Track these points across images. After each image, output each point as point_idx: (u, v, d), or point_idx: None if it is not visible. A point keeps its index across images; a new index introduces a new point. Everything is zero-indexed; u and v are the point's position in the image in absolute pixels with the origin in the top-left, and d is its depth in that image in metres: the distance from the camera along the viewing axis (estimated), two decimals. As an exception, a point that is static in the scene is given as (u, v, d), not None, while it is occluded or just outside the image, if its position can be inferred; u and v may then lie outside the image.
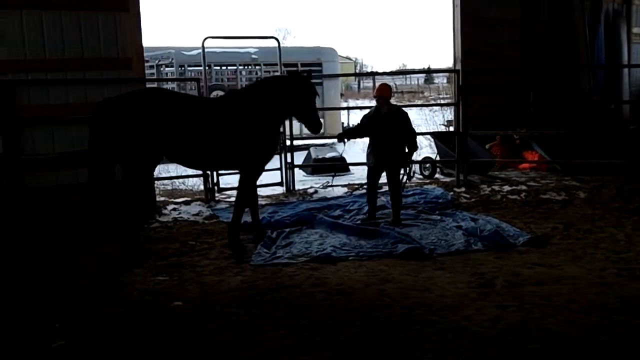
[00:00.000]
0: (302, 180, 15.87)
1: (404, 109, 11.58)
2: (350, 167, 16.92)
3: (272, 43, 15.74)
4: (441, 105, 24.77)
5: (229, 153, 9.55)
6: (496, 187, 13.71)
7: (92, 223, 10.66)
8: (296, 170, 14.79)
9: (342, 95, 40.13)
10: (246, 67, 27.02)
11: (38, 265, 9.21)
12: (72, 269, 8.95)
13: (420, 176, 15.89)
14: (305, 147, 18.27)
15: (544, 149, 15.98)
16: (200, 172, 12.97)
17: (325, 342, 6.22)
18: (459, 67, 15.73)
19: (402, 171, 11.22)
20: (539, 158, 16.05)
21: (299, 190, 14.24)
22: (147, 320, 6.99)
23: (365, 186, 11.69)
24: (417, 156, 17.63)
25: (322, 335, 6.39)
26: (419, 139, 20.65)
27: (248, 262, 9.07)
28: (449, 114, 21.76)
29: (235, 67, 26.61)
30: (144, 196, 11.24)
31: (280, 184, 14.32)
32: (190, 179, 14.81)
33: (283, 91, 9.87)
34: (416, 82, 73.89)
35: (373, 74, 25.57)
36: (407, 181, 11.98)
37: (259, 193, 10.69)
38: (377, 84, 11.70)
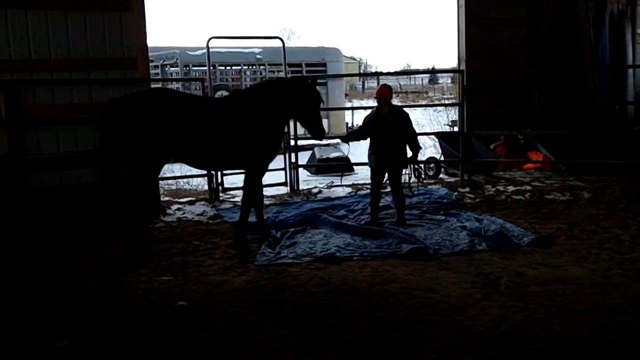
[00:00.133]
0: (307, 180, 15.87)
1: (406, 109, 11.56)
2: (355, 167, 16.93)
3: (277, 43, 15.81)
4: (445, 105, 24.76)
5: (233, 152, 9.57)
6: (500, 188, 13.69)
7: (96, 223, 10.69)
8: (300, 170, 14.79)
9: (346, 95, 40.11)
10: (250, 67, 27.08)
11: (42, 265, 9.23)
12: (77, 268, 8.97)
13: (424, 176, 15.88)
14: (310, 147, 18.28)
15: (548, 149, 15.96)
16: (204, 172, 12.98)
17: (329, 342, 6.22)
18: (463, 67, 15.72)
19: (406, 171, 11.21)
20: (544, 158, 16.03)
21: (303, 190, 14.24)
22: (151, 320, 7.00)
23: (368, 187, 11.64)
24: (421, 156, 17.67)
25: (326, 335, 6.39)
26: (423, 139, 20.80)
27: (252, 262, 9.08)
28: (454, 114, 21.76)
29: (239, 67, 26.67)
30: (149, 196, 11.27)
31: (284, 184, 14.32)
32: (195, 178, 14.83)
33: (287, 94, 9.87)
34: (420, 82, 73.82)
35: (377, 74, 25.58)
36: (418, 182, 11.94)
37: (263, 193, 10.69)
38: (388, 84, 11.68)
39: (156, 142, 9.06)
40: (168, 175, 15.02)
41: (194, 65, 25.45)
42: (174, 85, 23.69)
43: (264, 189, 11.00)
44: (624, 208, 11.65)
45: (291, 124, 13.02)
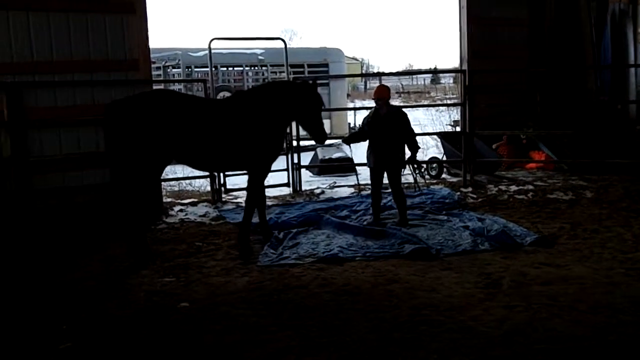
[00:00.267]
0: (309, 181, 15.88)
1: (408, 109, 11.58)
2: (358, 168, 16.93)
3: (279, 44, 15.77)
4: (448, 105, 24.76)
5: (235, 154, 9.58)
6: (503, 187, 13.69)
7: (98, 224, 10.70)
8: (303, 170, 14.80)
9: (348, 95, 40.13)
10: (253, 68, 27.04)
11: (45, 267, 9.24)
12: (79, 270, 8.98)
13: (427, 176, 15.89)
14: (312, 148, 18.28)
15: (550, 149, 15.96)
16: (207, 173, 12.99)
17: (332, 343, 6.22)
18: (465, 67, 15.70)
19: (405, 171, 11.21)
20: (546, 158, 16.02)
21: (305, 190, 14.25)
22: (154, 322, 7.01)
23: (369, 187, 11.64)
24: (423, 156, 17.68)
25: (329, 336, 6.39)
26: (426, 139, 20.82)
27: (255, 263, 9.08)
28: (456, 114, 21.77)
29: (241, 68, 26.63)
30: (151, 197, 11.28)
31: (287, 184, 14.33)
32: (197, 180, 14.84)
33: (289, 97, 9.87)
34: (423, 83, 73.85)
35: (379, 75, 25.60)
36: (416, 182, 11.92)
37: (266, 194, 10.69)
38: (386, 85, 11.69)
39: (158, 144, 9.08)
40: (170, 176, 15.02)
41: (196, 67, 25.44)
42: (176, 87, 23.67)
43: (267, 189, 11.01)
44: (626, 207, 11.64)
45: (293, 124, 13.03)
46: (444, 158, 16.24)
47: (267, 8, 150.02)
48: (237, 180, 13.63)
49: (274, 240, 10.01)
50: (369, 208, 11.47)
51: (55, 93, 11.29)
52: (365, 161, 11.26)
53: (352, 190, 14.06)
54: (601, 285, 7.62)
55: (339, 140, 19.07)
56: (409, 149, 10.93)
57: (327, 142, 12.00)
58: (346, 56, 35.29)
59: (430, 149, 20.54)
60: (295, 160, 14.28)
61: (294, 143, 14.22)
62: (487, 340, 6.16)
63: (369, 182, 11.41)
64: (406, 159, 11.01)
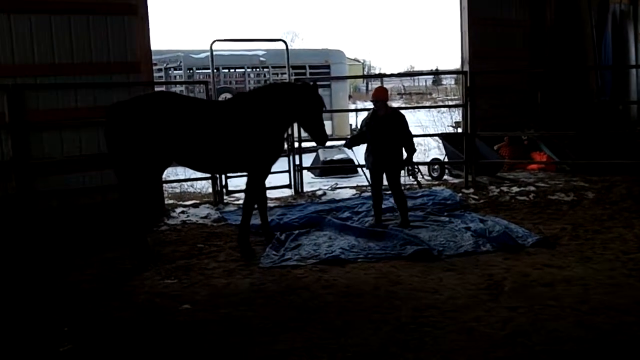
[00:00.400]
0: (311, 182, 15.88)
1: (410, 110, 11.60)
2: (359, 169, 16.94)
3: (280, 46, 15.76)
4: (449, 106, 24.81)
5: (236, 155, 9.57)
6: (505, 188, 13.68)
7: (100, 226, 10.71)
8: (304, 172, 14.79)
9: (350, 97, 40.13)
10: (254, 70, 27.07)
11: (47, 268, 9.25)
12: (81, 272, 8.98)
13: (429, 177, 15.89)
14: (314, 149, 18.29)
15: (552, 150, 15.96)
16: (208, 175, 12.98)
17: (335, 344, 6.22)
18: (466, 68, 15.71)
19: (404, 173, 11.21)
20: (547, 159, 16.02)
21: (307, 192, 14.24)
22: (156, 323, 7.01)
23: (369, 188, 11.63)
24: (425, 157, 17.68)
25: (332, 337, 6.39)
26: (427, 140, 20.82)
27: (257, 264, 9.08)
28: (457, 115, 21.78)
29: (243, 70, 26.67)
30: (153, 199, 11.29)
31: (288, 186, 14.32)
32: (199, 181, 14.84)
33: (290, 99, 9.86)
34: (424, 84, 73.87)
35: (381, 76, 25.64)
36: (416, 182, 11.90)
37: (267, 195, 10.69)
38: (384, 86, 11.70)
39: (159, 145, 9.08)
40: (172, 178, 15.02)
41: (197, 68, 25.49)
42: (178, 89, 23.69)
43: (268, 191, 11.00)
44: (628, 208, 11.64)
45: (295, 126, 13.04)
46: (446, 159, 16.23)
47: (269, 10, 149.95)
48: (239, 182, 13.62)
49: (275, 242, 10.01)
50: (371, 209, 11.47)
51: (56, 95, 11.28)
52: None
53: (354, 191, 14.06)
54: (603, 287, 7.62)
55: (340, 142, 19.13)
56: (406, 151, 10.93)
57: (328, 143, 12.00)
58: (348, 57, 35.33)
59: (431, 150, 20.54)
60: (297, 162, 14.27)
61: (296, 144, 14.21)
62: (489, 341, 6.16)
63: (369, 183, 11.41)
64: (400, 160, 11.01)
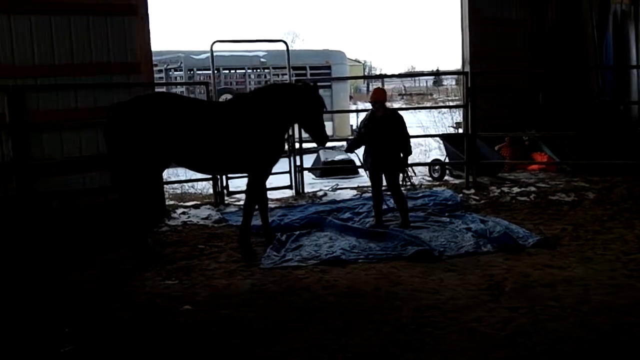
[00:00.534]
0: (312, 183, 15.86)
1: (411, 111, 11.61)
2: (360, 170, 16.94)
3: (281, 46, 15.76)
4: (450, 107, 24.77)
5: (236, 156, 9.57)
6: (505, 189, 13.68)
7: (101, 227, 10.71)
8: (305, 173, 14.79)
9: (350, 97, 40.10)
10: (255, 71, 27.07)
11: (48, 269, 9.25)
12: (82, 273, 8.98)
13: (430, 178, 15.89)
14: (315, 150, 18.28)
15: (553, 150, 15.95)
16: (209, 175, 12.97)
17: (335, 345, 6.22)
18: (467, 69, 15.71)
19: (401, 175, 11.20)
20: (548, 159, 16.02)
21: (308, 193, 14.24)
22: (156, 325, 7.01)
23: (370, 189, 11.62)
24: (426, 158, 17.67)
25: (333, 338, 6.39)
26: (428, 141, 20.81)
27: (258, 265, 9.08)
28: (458, 115, 21.76)
29: (244, 71, 26.67)
30: (153, 200, 11.29)
31: (289, 187, 14.32)
32: (200, 182, 14.83)
33: (290, 99, 9.86)
34: (425, 84, 73.85)
35: (382, 77, 25.58)
36: (410, 183, 11.85)
37: (268, 196, 10.70)
38: (382, 87, 11.71)
39: (158, 146, 9.08)
40: (173, 179, 15.02)
41: (198, 69, 25.48)
42: (178, 89, 23.69)
43: (269, 192, 11.00)
44: (629, 208, 11.64)
45: (296, 126, 13.03)
46: (447, 160, 16.21)
47: (269, 10, 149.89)
48: (240, 183, 13.61)
49: (276, 243, 10.01)
50: (372, 210, 11.46)
51: (56, 96, 11.28)
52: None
53: (354, 192, 14.06)
54: (604, 287, 7.62)
55: (341, 143, 19.12)
56: (402, 152, 10.92)
57: (329, 144, 11.99)
58: (348, 58, 35.34)
59: (432, 150, 20.52)
60: (298, 163, 14.27)
61: (297, 145, 14.21)
62: (490, 342, 6.16)
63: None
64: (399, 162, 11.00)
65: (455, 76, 43.05)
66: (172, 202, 13.40)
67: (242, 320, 7.02)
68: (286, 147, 12.13)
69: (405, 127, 10.92)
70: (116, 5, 11.63)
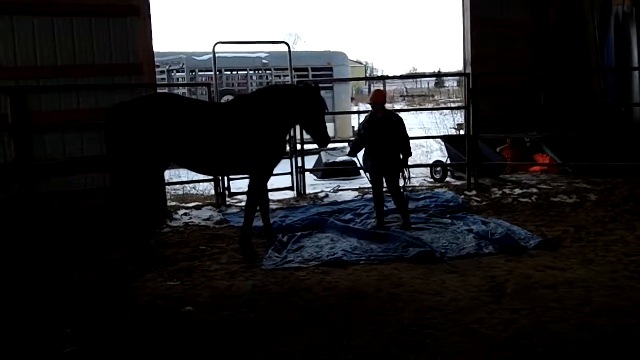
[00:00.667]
0: (313, 185, 15.88)
1: (412, 113, 11.61)
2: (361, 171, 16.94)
3: (283, 48, 15.75)
4: (452, 109, 24.78)
5: (237, 158, 9.58)
6: (507, 191, 13.68)
7: (103, 228, 10.71)
8: (307, 174, 14.79)
9: (352, 99, 40.15)
10: (257, 72, 27.10)
11: (49, 270, 9.25)
12: (83, 274, 8.99)
13: (431, 180, 15.89)
14: (316, 152, 18.29)
15: (555, 152, 15.95)
16: (210, 177, 12.97)
17: (337, 346, 6.23)
18: (469, 70, 15.72)
19: (402, 180, 11.19)
20: (550, 161, 16.02)
21: (310, 194, 14.24)
22: (158, 326, 7.01)
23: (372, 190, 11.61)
24: (427, 160, 17.66)
25: (334, 339, 6.39)
26: (430, 142, 20.82)
27: (259, 266, 9.08)
28: (460, 117, 21.75)
29: (246, 72, 26.69)
30: (155, 201, 11.29)
31: (291, 188, 14.33)
32: (202, 184, 14.84)
33: (292, 101, 9.86)
34: (427, 86, 73.90)
35: (384, 78, 25.52)
36: (406, 184, 11.81)
37: (270, 197, 10.70)
38: (382, 89, 11.72)
39: (160, 147, 9.09)
40: (175, 180, 15.03)
41: (200, 71, 25.49)
42: (181, 91, 23.70)
43: (271, 193, 11.00)
44: (630, 210, 11.63)
45: (298, 128, 13.04)
46: (448, 161, 16.22)
47: (272, 12, 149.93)
48: (242, 184, 13.61)
49: (278, 244, 10.01)
50: (373, 212, 11.46)
51: (59, 97, 11.29)
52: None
53: (356, 193, 14.06)
54: (606, 289, 7.61)
55: (342, 145, 19.12)
56: (402, 153, 10.92)
57: (331, 145, 12.00)
58: (350, 60, 35.34)
59: (434, 152, 20.54)
60: (300, 164, 14.28)
61: (298, 147, 14.21)
62: (491, 343, 6.16)
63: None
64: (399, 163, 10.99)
65: (457, 78, 42.97)
66: (173, 204, 13.41)
67: (244, 321, 7.02)
68: (288, 148, 12.11)
69: (405, 129, 10.92)
70: (118, 7, 11.64)
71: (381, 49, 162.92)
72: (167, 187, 13.48)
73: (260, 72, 27.15)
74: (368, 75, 76.53)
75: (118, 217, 9.73)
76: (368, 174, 11.32)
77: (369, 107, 11.09)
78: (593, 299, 7.29)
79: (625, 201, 12.27)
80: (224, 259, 9.55)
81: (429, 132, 21.98)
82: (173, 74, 26.14)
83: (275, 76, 26.54)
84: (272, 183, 10.50)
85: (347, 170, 17.07)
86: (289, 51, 15.02)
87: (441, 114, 24.96)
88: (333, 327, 6.73)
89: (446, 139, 16.98)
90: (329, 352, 6.10)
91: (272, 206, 12.07)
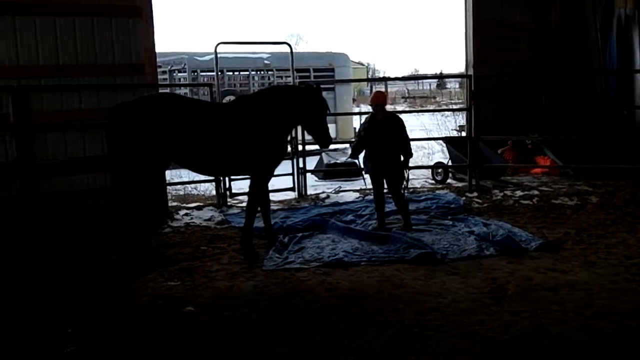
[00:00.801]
0: (314, 186, 15.87)
1: (414, 114, 11.61)
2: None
3: (285, 48, 15.78)
4: (453, 110, 24.77)
5: (238, 158, 9.58)
6: (508, 192, 13.67)
7: (104, 228, 10.71)
8: (308, 175, 14.79)
9: (354, 100, 40.14)
10: (258, 73, 27.09)
11: (50, 270, 9.25)
12: (84, 274, 8.99)
13: (433, 181, 15.88)
14: (317, 152, 18.29)
15: (556, 154, 15.94)
16: (211, 177, 12.97)
17: (338, 347, 6.23)
18: (470, 72, 15.73)
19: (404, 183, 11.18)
20: (551, 163, 16.01)
21: (311, 195, 14.24)
22: (159, 326, 7.01)
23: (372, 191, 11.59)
24: (429, 161, 17.66)
25: (335, 340, 6.39)
26: (431, 144, 20.81)
27: (260, 267, 9.09)
28: (461, 119, 21.75)
29: (247, 73, 26.69)
30: (156, 201, 11.29)
31: (292, 189, 14.32)
32: (203, 184, 14.84)
33: (293, 101, 9.86)
34: (428, 87, 73.92)
35: (385, 79, 25.49)
36: (405, 186, 11.79)
37: (271, 198, 10.69)
38: (382, 90, 11.72)
39: (161, 147, 9.09)
40: (176, 180, 15.02)
41: (202, 71, 25.48)
42: (182, 91, 23.70)
43: (272, 194, 10.99)
44: (632, 212, 11.62)
45: (299, 128, 13.03)
46: (450, 163, 16.21)
47: (273, 12, 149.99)
48: (243, 185, 13.60)
49: (279, 245, 10.01)
50: (374, 213, 11.45)
51: (60, 97, 11.29)
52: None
53: (357, 194, 14.06)
54: (607, 291, 7.61)
55: (344, 145, 19.12)
56: (402, 155, 10.92)
57: (332, 146, 11.99)
58: (352, 61, 35.31)
59: (435, 153, 20.53)
60: (301, 165, 14.27)
61: (300, 147, 14.21)
62: (492, 345, 6.16)
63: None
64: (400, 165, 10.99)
65: (459, 79, 43.02)
66: (174, 204, 13.41)
67: (245, 321, 7.02)
68: (289, 149, 12.11)
69: (405, 130, 10.92)
70: (120, 7, 11.65)
71: (383, 50, 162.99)
72: (168, 187, 13.48)
73: (262, 72, 27.14)
74: (369, 76, 76.61)
75: (119, 217, 9.73)
76: (365, 181, 11.30)
77: (370, 109, 11.08)
78: (594, 301, 7.29)
79: (627, 203, 12.26)
80: (224, 259, 9.56)
81: (430, 134, 21.99)
82: (175, 74, 26.13)
83: (277, 77, 26.52)
84: (273, 184, 10.51)
85: (348, 171, 17.05)
86: (291, 52, 15.02)
87: (442, 115, 24.96)
88: (334, 328, 6.73)
89: (447, 140, 16.96)
90: (329, 353, 6.10)
91: (273, 207, 12.07)
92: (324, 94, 10.46)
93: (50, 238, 10.54)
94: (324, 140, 10.13)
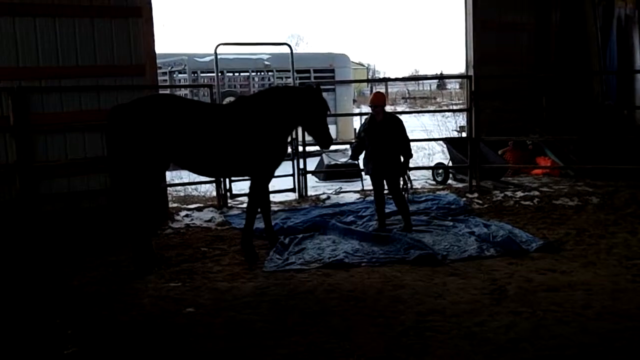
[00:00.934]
0: (315, 186, 15.86)
1: (414, 115, 11.60)
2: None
3: (285, 49, 15.78)
4: (453, 111, 24.74)
5: (238, 159, 9.57)
6: (509, 193, 13.67)
7: (104, 229, 10.71)
8: (309, 176, 14.78)
9: (354, 101, 40.13)
10: (259, 74, 27.08)
11: (51, 272, 9.25)
12: (85, 275, 8.99)
13: (433, 182, 15.88)
14: (318, 153, 18.28)
15: (556, 155, 15.93)
16: (212, 178, 12.97)
17: (338, 348, 6.23)
18: (471, 72, 15.72)
19: (401, 180, 11.18)
20: (552, 164, 16.00)
21: (311, 196, 14.23)
22: (159, 327, 7.01)
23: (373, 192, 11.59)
24: (429, 162, 17.66)
25: (336, 341, 6.39)
26: (432, 144, 20.80)
27: (260, 268, 9.09)
28: (462, 119, 21.74)
29: (247, 74, 26.68)
30: (156, 202, 11.28)
31: (292, 190, 14.31)
32: (203, 185, 14.84)
33: (293, 102, 9.86)
34: (429, 88, 73.89)
35: (385, 80, 25.56)
36: (409, 188, 11.78)
37: (271, 199, 10.69)
38: (381, 91, 11.72)
39: (161, 148, 9.09)
40: (176, 181, 15.02)
41: (202, 72, 25.47)
42: (182, 92, 23.71)
43: (272, 195, 10.98)
44: (632, 213, 11.62)
45: (299, 129, 13.03)
46: (450, 163, 16.21)
47: (273, 13, 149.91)
48: (243, 186, 13.59)
49: (279, 246, 10.01)
50: (375, 214, 11.45)
51: (61, 98, 11.29)
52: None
53: (358, 195, 14.06)
54: (607, 292, 7.62)
55: (344, 147, 19.11)
56: (402, 155, 10.92)
57: (333, 147, 11.99)
58: (352, 61, 35.30)
59: (436, 154, 20.50)
60: (301, 166, 14.27)
61: (300, 148, 14.20)
62: (493, 346, 6.16)
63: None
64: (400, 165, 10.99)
65: (459, 80, 43.02)
66: (175, 205, 13.40)
67: (245, 323, 7.02)
68: (289, 150, 12.10)
69: (405, 131, 10.92)
70: (120, 8, 11.64)
71: (383, 50, 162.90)
72: (168, 188, 13.47)
73: (262, 73, 27.13)
74: (370, 76, 76.62)
75: (119, 219, 9.73)
76: (364, 182, 11.29)
77: (370, 109, 11.08)
78: (594, 302, 7.29)
79: (627, 204, 12.26)
80: (225, 260, 9.56)
81: (430, 134, 21.96)
82: (175, 75, 26.13)
83: (277, 77, 26.52)
84: (274, 185, 10.50)
85: (348, 172, 17.04)
86: (291, 52, 15.03)
87: (443, 116, 24.94)
88: (334, 329, 6.73)
89: (448, 141, 16.96)
90: (330, 354, 6.10)
91: (274, 208, 12.07)
92: (324, 94, 10.45)
93: (51, 239, 10.54)
94: (324, 141, 10.13)
